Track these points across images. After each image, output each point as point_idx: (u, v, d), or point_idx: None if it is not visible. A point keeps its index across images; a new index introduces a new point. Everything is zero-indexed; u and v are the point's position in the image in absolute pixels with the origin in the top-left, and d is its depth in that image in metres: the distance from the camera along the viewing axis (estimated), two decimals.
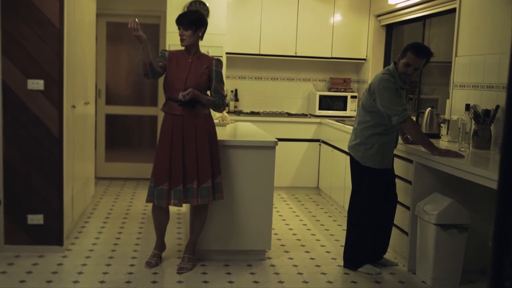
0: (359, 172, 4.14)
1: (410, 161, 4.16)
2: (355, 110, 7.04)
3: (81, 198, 5.21)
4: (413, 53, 3.88)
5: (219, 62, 4.08)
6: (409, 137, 4.28)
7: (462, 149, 4.01)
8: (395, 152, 4.20)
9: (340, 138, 6.12)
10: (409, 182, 4.16)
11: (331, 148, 6.42)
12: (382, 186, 4.10)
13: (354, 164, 4.16)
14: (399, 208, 4.27)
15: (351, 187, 4.29)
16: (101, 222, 5.22)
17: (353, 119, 6.79)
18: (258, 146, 4.25)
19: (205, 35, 3.78)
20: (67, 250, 4.37)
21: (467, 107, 4.17)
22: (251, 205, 4.26)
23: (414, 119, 4.32)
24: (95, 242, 4.63)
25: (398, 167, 4.27)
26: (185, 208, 5.76)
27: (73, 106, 4.62)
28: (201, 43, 4.04)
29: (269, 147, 4.25)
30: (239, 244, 4.29)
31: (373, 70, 6.92)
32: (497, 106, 4.12)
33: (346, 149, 5.77)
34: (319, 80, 7.38)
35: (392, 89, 3.88)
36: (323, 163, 6.77)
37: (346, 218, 5.68)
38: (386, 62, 6.93)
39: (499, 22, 4.22)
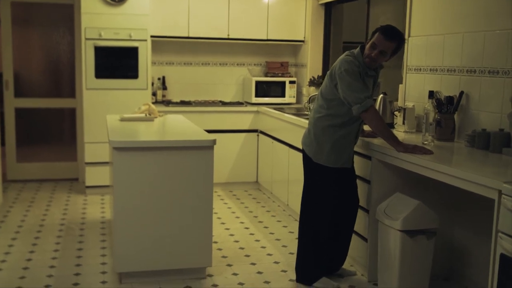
0: (310, 170, 3.59)
1: (368, 157, 3.64)
2: (294, 97, 6.53)
3: None
4: (381, 33, 3.35)
5: None
6: (366, 130, 3.76)
7: (426, 142, 3.54)
8: None
9: (279, 127, 5.57)
10: (368, 182, 3.65)
11: (270, 139, 5.86)
12: (340, 188, 3.55)
13: (306, 160, 3.61)
14: None
15: (299, 185, 3.71)
16: (9, 239, 4.42)
17: (292, 106, 6.33)
18: (191, 146, 3.60)
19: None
20: None
21: (431, 94, 3.68)
22: (186, 217, 3.61)
23: None
24: (0, 267, 3.86)
25: (355, 164, 3.73)
26: (108, 214, 5.07)
27: None
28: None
29: (205, 147, 3.61)
30: (174, 263, 3.64)
31: (312, 53, 6.42)
32: (461, 92, 3.67)
33: (287, 140, 5.32)
34: (254, 65, 6.80)
35: (355, 73, 3.33)
36: (262, 156, 6.21)
37: (290, 217, 5.21)
38: (326, 44, 6.43)
39: None
